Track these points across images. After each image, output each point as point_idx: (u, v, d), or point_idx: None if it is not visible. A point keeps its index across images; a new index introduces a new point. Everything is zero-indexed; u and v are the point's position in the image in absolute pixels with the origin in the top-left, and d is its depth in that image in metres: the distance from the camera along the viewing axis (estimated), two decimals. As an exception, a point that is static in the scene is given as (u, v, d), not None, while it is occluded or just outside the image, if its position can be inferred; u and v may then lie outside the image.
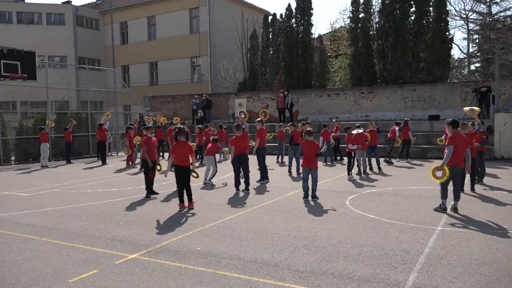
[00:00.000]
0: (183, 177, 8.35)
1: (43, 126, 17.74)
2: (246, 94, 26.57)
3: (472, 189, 9.81)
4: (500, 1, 32.16)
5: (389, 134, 16.20)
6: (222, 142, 18.93)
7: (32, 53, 18.68)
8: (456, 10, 33.02)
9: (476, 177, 10.44)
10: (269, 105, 24.55)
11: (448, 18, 25.18)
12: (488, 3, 32.97)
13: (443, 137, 13.39)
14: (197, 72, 33.95)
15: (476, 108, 10.30)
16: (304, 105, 24.07)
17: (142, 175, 13.58)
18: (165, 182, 11.69)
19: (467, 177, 9.93)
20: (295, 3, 27.16)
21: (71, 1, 40.81)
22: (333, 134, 16.58)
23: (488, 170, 13.00)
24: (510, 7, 32.63)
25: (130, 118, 27.43)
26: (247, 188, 10.32)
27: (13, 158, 19.22)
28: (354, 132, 12.41)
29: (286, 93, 22.77)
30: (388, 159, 15.85)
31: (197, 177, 9.00)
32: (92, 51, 36.89)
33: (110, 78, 25.90)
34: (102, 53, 37.78)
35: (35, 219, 7.83)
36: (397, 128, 15.87)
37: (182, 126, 9.09)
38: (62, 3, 39.81)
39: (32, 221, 7.67)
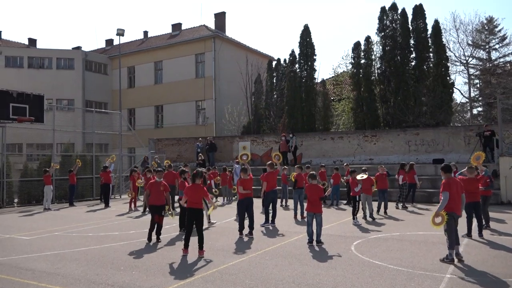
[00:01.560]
0: (195, 220, 8.13)
1: (47, 169, 17.81)
2: (250, 137, 26.76)
3: (480, 235, 9.61)
4: (499, 48, 32.91)
5: (398, 177, 15.85)
6: (225, 185, 18.90)
7: (40, 96, 19.09)
8: (456, 56, 33.62)
9: (484, 223, 10.26)
10: (273, 148, 24.64)
11: (448, 64, 25.72)
12: (487, 50, 33.74)
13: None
14: (202, 115, 34.40)
15: (479, 165, 10.26)
16: (308, 148, 24.15)
17: (144, 218, 13.47)
18: (168, 225, 11.55)
19: (474, 223, 9.76)
20: (299, 49, 27.86)
21: (81, 47, 42.18)
22: (344, 178, 16.46)
23: (495, 215, 12.80)
24: (509, 53, 33.30)
25: (134, 161, 27.56)
26: (251, 233, 10.16)
27: (16, 200, 19.16)
28: (359, 177, 12.34)
29: (291, 135, 22.91)
30: (403, 204, 15.62)
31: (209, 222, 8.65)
32: (99, 95, 37.62)
33: (116, 121, 26.28)
34: (109, 96, 38.50)
35: (35, 264, 7.69)
36: (401, 176, 15.52)
37: (199, 169, 9.04)
38: (72, 48, 41.08)
39: (32, 266, 7.53)
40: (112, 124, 27.11)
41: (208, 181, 17.02)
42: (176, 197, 13.15)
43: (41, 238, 10.40)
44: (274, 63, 32.26)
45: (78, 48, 41.60)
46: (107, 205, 17.85)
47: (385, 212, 13.78)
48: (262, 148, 25.54)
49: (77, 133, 25.94)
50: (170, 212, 9.80)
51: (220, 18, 38.41)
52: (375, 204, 13.62)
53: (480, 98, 33.94)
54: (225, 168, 19.31)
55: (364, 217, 12.63)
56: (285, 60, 30.23)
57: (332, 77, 33.27)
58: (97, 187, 21.03)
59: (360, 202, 12.48)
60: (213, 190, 16.10)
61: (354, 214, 12.04)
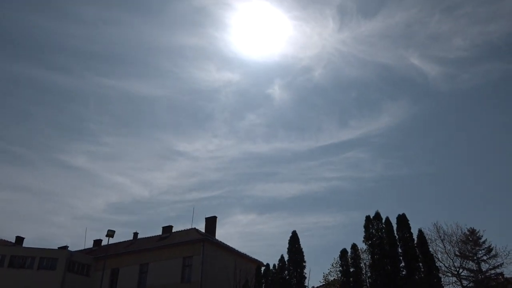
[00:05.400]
0: None
1: None
2: None
3: None
4: (487, 259, 32.89)
5: None
6: None
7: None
8: (446, 266, 33.28)
9: None
10: None
11: (440, 274, 25.26)
12: (476, 260, 33.64)
13: None
14: (184, 325, 31.61)
15: None
16: None
17: None
18: None
19: None
20: (288, 256, 27.63)
21: (68, 246, 41.53)
22: None
23: None
24: (498, 265, 33.06)
25: None
26: None
27: None
28: None
29: None
30: None
31: None
32: (76, 299, 35.18)
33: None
34: (87, 301, 35.96)
35: None
36: None
37: None
38: (59, 248, 40.36)
39: None
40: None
41: None
42: None
43: None
44: (263, 268, 31.50)
45: (65, 247, 40.97)
46: None
47: None
48: None
49: None
50: None
51: (210, 221, 39.20)
52: None
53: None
54: None
55: None
56: (274, 265, 29.63)
57: (323, 285, 32.09)
58: None
59: None
60: None
61: None
